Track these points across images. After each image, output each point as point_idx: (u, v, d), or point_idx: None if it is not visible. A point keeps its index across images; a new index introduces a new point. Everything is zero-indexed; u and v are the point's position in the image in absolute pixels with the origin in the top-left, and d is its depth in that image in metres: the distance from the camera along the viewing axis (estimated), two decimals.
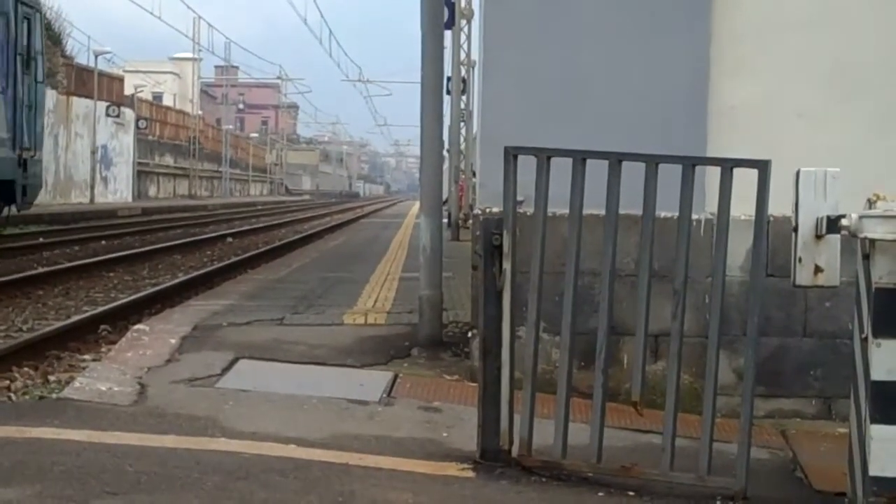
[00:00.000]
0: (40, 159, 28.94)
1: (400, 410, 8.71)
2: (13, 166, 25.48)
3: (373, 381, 9.61)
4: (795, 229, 5.80)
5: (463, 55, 38.38)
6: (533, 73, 9.65)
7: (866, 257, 5.65)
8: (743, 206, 6.74)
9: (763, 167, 6.32)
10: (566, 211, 6.81)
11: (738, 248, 8.15)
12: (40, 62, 27.96)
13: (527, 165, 6.89)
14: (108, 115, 63.43)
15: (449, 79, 34.22)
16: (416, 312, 11.74)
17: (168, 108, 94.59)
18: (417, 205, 17.97)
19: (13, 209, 26.65)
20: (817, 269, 5.77)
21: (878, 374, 5.56)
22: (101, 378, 9.29)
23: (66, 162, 57.15)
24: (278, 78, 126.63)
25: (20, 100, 25.87)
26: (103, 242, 31.04)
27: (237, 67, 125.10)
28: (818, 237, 5.74)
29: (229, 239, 35.22)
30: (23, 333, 13.64)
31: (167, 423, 7.83)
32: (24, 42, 26.20)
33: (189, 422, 7.90)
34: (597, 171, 6.73)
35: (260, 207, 71.11)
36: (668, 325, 6.71)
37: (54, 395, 8.90)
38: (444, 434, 8.02)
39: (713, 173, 6.77)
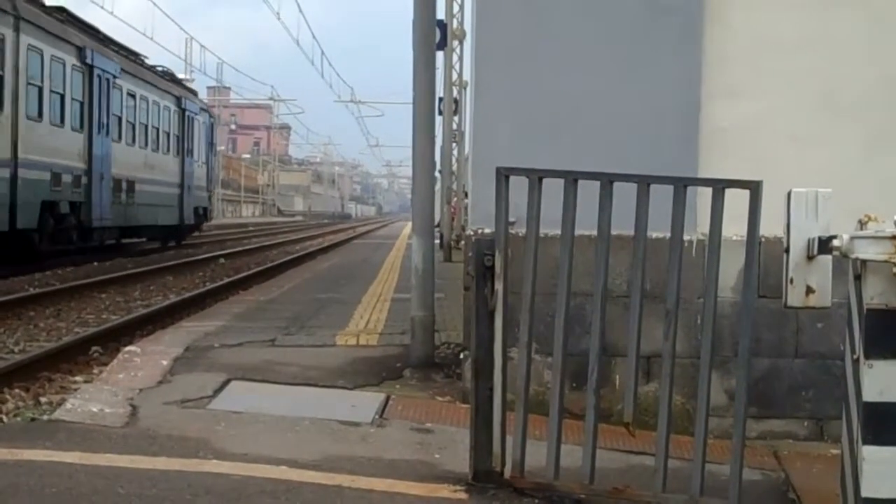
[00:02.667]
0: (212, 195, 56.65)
1: (392, 432, 8.70)
2: (208, 200, 51.39)
3: (365, 403, 9.59)
4: (787, 250, 5.80)
5: (455, 76, 38.38)
6: (525, 95, 9.66)
7: (858, 278, 5.66)
8: (734, 227, 6.75)
9: (754, 188, 6.32)
10: (558, 232, 6.81)
11: (730, 268, 8.16)
12: (216, 143, 57.42)
13: (519, 186, 6.89)
14: None
15: (441, 99, 34.25)
16: (408, 333, 11.73)
17: None
18: (409, 226, 17.98)
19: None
20: (809, 290, 5.77)
21: (870, 395, 5.55)
22: (92, 400, 9.28)
23: None
24: (270, 99, 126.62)
25: (210, 165, 52.63)
26: (95, 264, 30.97)
27: (229, 88, 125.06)
28: (810, 258, 5.73)
29: (221, 260, 35.18)
30: (14, 355, 13.63)
31: (159, 445, 7.81)
32: (211, 134, 53.67)
33: (181, 443, 7.89)
34: (589, 192, 6.73)
35: (252, 228, 71.10)
36: (660, 346, 6.71)
37: (46, 417, 8.88)
38: (437, 455, 8.01)
39: (705, 194, 6.77)
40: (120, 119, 35.82)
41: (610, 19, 9.64)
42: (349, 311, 16.35)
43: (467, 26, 31.66)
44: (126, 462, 7.25)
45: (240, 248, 43.69)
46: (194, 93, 51.35)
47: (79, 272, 27.95)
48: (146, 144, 39.35)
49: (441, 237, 32.63)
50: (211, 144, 52.83)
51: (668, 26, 9.55)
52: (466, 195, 28.26)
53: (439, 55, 30.56)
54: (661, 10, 9.54)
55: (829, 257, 5.70)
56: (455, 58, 38.18)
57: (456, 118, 38.73)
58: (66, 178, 29.96)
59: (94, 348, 14.15)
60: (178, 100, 44.22)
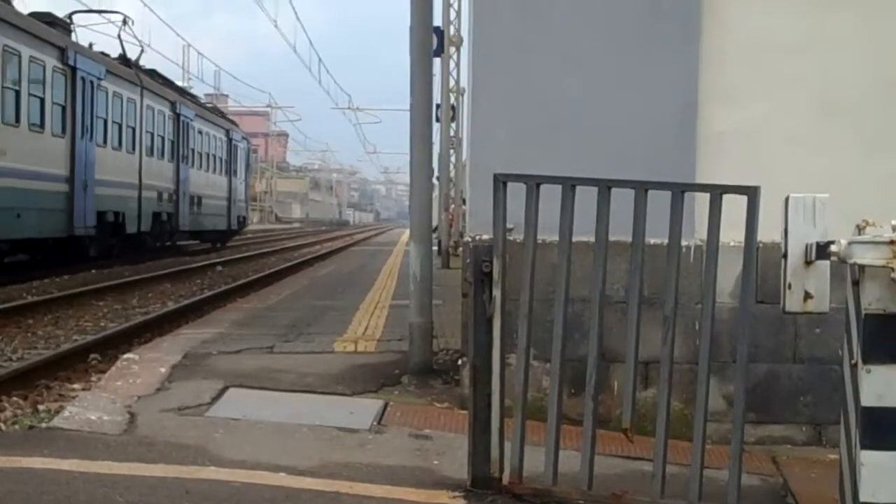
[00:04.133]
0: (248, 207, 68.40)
1: (390, 438, 8.69)
2: (245, 210, 62.65)
3: (363, 409, 9.59)
4: (785, 255, 5.80)
5: (452, 82, 38.44)
6: (522, 101, 9.66)
7: (856, 283, 5.65)
8: (732, 233, 6.74)
9: (752, 193, 6.32)
10: (556, 238, 6.81)
11: (728, 274, 8.16)
12: (251, 165, 70.18)
13: (516, 192, 6.89)
14: None
15: (438, 106, 34.26)
16: (406, 340, 11.73)
17: None
18: (407, 232, 17.98)
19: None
20: (807, 296, 5.76)
21: (868, 400, 5.55)
22: (90, 407, 9.27)
23: None
24: (268, 106, 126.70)
25: (247, 183, 64.32)
26: (93, 271, 30.95)
27: (227, 95, 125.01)
28: (808, 263, 5.73)
29: (219, 267, 35.17)
30: (12, 363, 13.63)
31: (157, 452, 7.80)
32: (248, 158, 64.38)
33: (179, 451, 7.88)
34: (586, 198, 6.73)
35: (250, 235, 71.04)
36: (658, 351, 6.70)
37: (44, 425, 8.87)
38: (435, 462, 8.00)
39: (702, 199, 6.77)
40: (194, 150, 47.98)
41: (607, 24, 9.65)
42: (347, 318, 16.36)
43: (464, 33, 31.70)
44: (124, 469, 7.24)
45: (238, 256, 43.69)
46: (236, 124, 63.02)
47: (76, 280, 27.93)
48: (208, 168, 51.60)
49: (439, 244, 32.61)
50: (248, 166, 66.27)
51: (666, 30, 9.56)
52: (464, 202, 28.27)
53: (436, 62, 30.56)
54: (659, 14, 9.55)
55: (827, 262, 5.70)
56: (452, 64, 38.25)
57: (453, 125, 38.79)
58: (164, 196, 42.18)
59: (92, 356, 14.14)
60: (227, 132, 56.98)
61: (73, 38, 34.32)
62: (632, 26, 9.63)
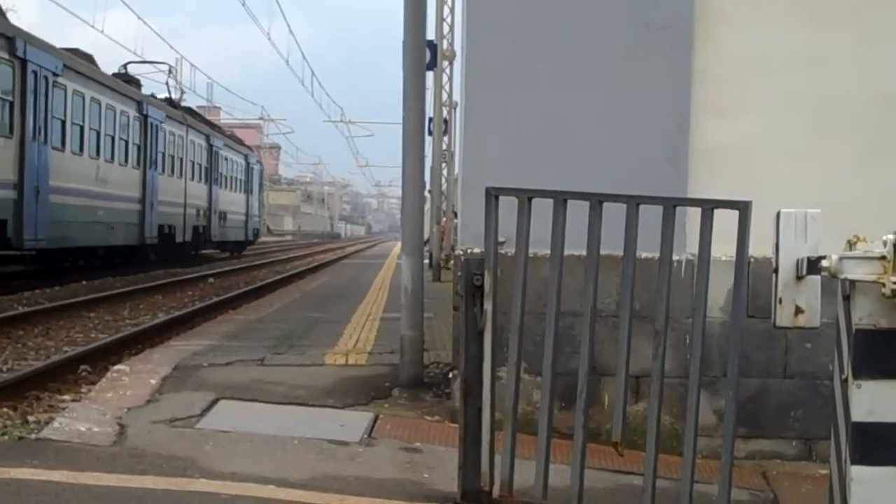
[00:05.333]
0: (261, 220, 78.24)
1: (381, 451, 8.69)
2: (259, 223, 71.42)
3: (354, 422, 9.59)
4: (776, 270, 5.80)
5: (445, 96, 38.44)
6: (514, 115, 9.68)
7: (847, 298, 5.65)
8: (724, 247, 6.75)
9: (743, 208, 6.32)
10: (547, 251, 6.81)
11: (719, 288, 8.16)
12: (263, 184, 79.68)
13: (508, 206, 6.89)
14: None
15: (431, 119, 34.31)
16: (397, 353, 11.73)
17: None
18: (399, 245, 17.98)
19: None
20: (798, 311, 5.76)
21: (858, 416, 5.55)
22: (80, 418, 9.26)
23: None
24: (260, 118, 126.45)
25: (260, 199, 72.97)
26: (84, 282, 30.92)
27: (219, 108, 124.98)
28: (799, 278, 5.73)
29: (210, 279, 35.14)
30: (2, 373, 13.62)
31: (147, 464, 7.79)
32: (261, 178, 72.95)
33: (169, 462, 7.87)
34: (578, 212, 6.73)
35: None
36: (649, 365, 6.69)
37: (34, 436, 8.85)
38: (425, 475, 8.00)
39: (694, 214, 6.77)
40: (222, 174, 57.84)
41: (599, 38, 9.67)
42: (338, 330, 16.35)
43: (457, 47, 31.75)
44: (114, 481, 7.23)
45: (229, 268, 43.68)
46: (251, 149, 74.58)
47: (67, 291, 27.91)
48: (232, 188, 61.37)
49: (430, 257, 32.62)
50: (261, 185, 76.14)
51: (658, 45, 9.58)
52: (456, 215, 28.27)
53: (429, 75, 30.61)
54: (651, 29, 9.57)
55: (818, 277, 5.70)
56: (445, 78, 38.25)
57: (446, 138, 38.80)
58: (201, 212, 51.96)
59: (82, 367, 14.12)
60: (246, 157, 67.52)
61: (142, 90, 44.96)
62: (624, 42, 9.65)
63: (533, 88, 9.66)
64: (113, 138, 36.98)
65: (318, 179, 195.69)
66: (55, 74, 30.47)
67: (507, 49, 9.74)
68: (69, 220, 31.65)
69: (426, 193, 29.58)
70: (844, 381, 5.67)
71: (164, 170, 44.56)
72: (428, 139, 31.38)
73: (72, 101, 32.37)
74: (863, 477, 5.55)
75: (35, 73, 28.88)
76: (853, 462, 5.57)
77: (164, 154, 44.60)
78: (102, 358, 15.01)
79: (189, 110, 54.54)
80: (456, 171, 31.93)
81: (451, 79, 38.08)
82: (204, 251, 55.35)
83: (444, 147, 38.73)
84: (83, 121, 33.57)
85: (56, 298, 25.08)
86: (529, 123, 9.66)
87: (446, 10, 36.48)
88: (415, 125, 11.76)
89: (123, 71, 46.20)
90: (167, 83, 52.93)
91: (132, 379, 11.22)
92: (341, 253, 72.92)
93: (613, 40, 9.66)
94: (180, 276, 35.06)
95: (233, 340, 15.02)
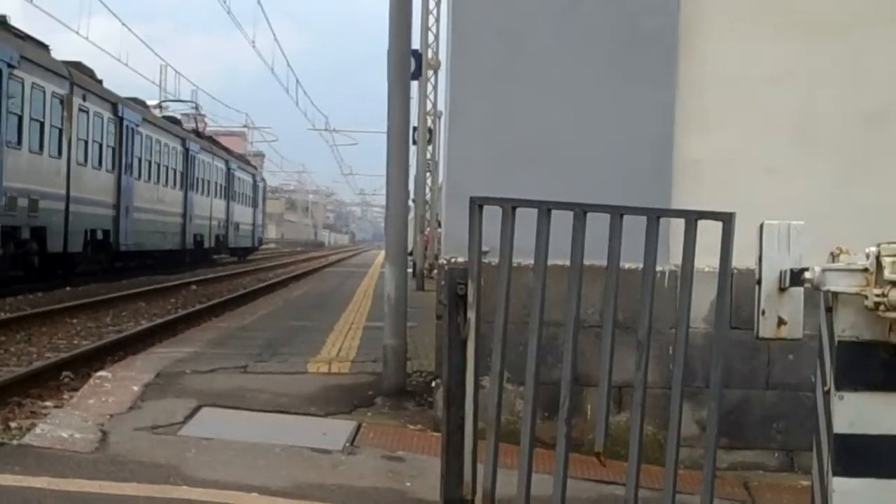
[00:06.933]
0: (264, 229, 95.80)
1: (363, 460, 8.69)
2: (262, 231, 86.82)
3: (336, 430, 9.58)
4: (759, 282, 5.81)
5: (429, 105, 38.51)
6: (499, 124, 9.69)
7: (829, 310, 5.67)
8: (707, 259, 6.76)
9: (727, 219, 6.34)
10: (531, 261, 6.81)
11: (702, 300, 8.18)
12: (265, 197, 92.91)
13: (492, 215, 6.90)
14: None
15: (415, 129, 34.32)
16: (380, 361, 11.73)
17: None
18: (382, 254, 17.99)
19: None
20: (780, 322, 5.78)
21: (840, 427, 5.57)
22: (62, 425, 9.24)
23: None
24: (244, 126, 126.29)
25: (264, 211, 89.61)
26: (68, 288, 30.86)
27: (205, 115, 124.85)
28: (782, 290, 5.74)
29: (193, 286, 35.11)
30: None
31: (128, 471, 7.78)
32: (264, 193, 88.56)
33: (151, 469, 7.86)
34: (562, 222, 6.73)
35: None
36: (632, 375, 6.70)
37: (15, 442, 8.83)
38: (408, 484, 8.00)
39: (678, 225, 6.79)
40: (237, 192, 69.98)
41: (585, 49, 9.69)
42: (321, 339, 16.35)
43: (442, 56, 31.77)
44: (95, 488, 7.23)
45: (212, 275, 43.65)
46: (255, 167, 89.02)
47: (51, 297, 27.86)
48: (243, 203, 73.04)
49: (414, 266, 32.62)
50: (264, 199, 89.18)
51: (644, 59, 9.60)
52: (440, 224, 28.29)
53: (414, 85, 30.63)
54: (637, 44, 9.60)
55: (801, 289, 5.72)
56: (430, 87, 38.36)
57: (430, 147, 38.85)
58: (221, 224, 63.84)
59: (64, 374, 14.09)
60: (253, 175, 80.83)
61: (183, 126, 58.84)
62: (610, 55, 9.68)
63: (518, 98, 9.68)
64: (167, 168, 49.83)
65: (303, 188, 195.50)
66: (137, 125, 43.58)
67: (492, 58, 9.76)
68: (143, 229, 43.80)
69: (410, 202, 29.62)
70: (827, 393, 5.68)
71: (198, 190, 56.80)
72: (412, 148, 31.44)
73: (145, 142, 45.32)
74: (844, 488, 5.57)
75: (127, 126, 42.06)
76: (835, 474, 5.58)
77: (198, 178, 57.03)
78: (85, 364, 14.98)
79: (211, 139, 67.80)
80: (440, 180, 31.99)
81: (435, 88, 38.19)
82: (221, 255, 66.91)
83: (429, 156, 38.78)
84: (150, 156, 46.43)
85: (39, 304, 25.03)
86: (514, 133, 9.68)
87: (431, 20, 36.59)
88: (399, 134, 11.77)
89: (156, 104, 61.56)
90: (195, 118, 68.77)
91: (114, 386, 11.20)
92: (325, 261, 72.85)
93: (600, 53, 9.68)
94: (163, 283, 35.00)
95: (216, 348, 15.01)
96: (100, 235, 38.14)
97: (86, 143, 36.52)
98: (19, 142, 29.93)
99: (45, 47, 34.21)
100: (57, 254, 33.17)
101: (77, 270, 35.97)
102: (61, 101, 33.75)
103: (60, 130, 33.59)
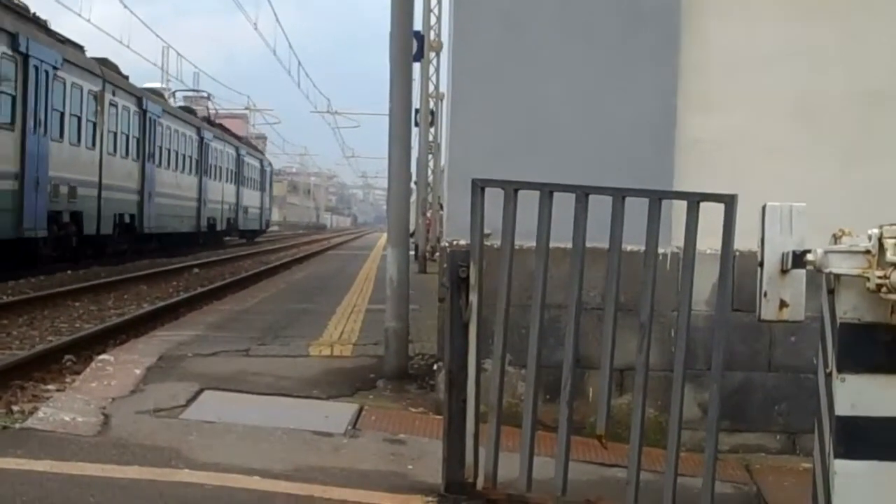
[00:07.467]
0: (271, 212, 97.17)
1: (365, 443, 8.68)
2: (269, 214, 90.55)
3: (338, 413, 9.58)
4: (761, 264, 5.80)
5: (431, 87, 38.41)
6: (501, 106, 9.67)
7: (831, 292, 5.66)
8: (709, 241, 6.74)
9: (729, 201, 6.33)
10: (533, 244, 6.80)
11: (704, 282, 8.17)
12: (272, 181, 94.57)
13: (494, 198, 6.89)
14: None
15: (417, 111, 34.24)
16: (381, 344, 11.72)
17: None
18: (384, 237, 17.97)
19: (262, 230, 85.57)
20: (782, 304, 5.76)
21: (842, 409, 5.56)
22: (64, 408, 9.24)
23: None
24: (246, 108, 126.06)
25: (271, 194, 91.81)
26: (69, 272, 30.87)
27: (208, 97, 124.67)
28: (784, 272, 5.73)
29: (195, 269, 35.11)
30: None
31: (130, 454, 7.78)
32: (270, 178, 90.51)
33: (152, 453, 7.86)
34: (564, 204, 6.72)
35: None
36: (634, 358, 6.70)
37: (17, 425, 8.82)
38: (410, 467, 8.00)
39: (680, 207, 6.78)
40: (246, 177, 73.25)
41: (587, 31, 9.67)
42: (323, 322, 16.33)
43: (444, 38, 31.69)
44: (97, 471, 7.22)
45: (214, 258, 43.64)
46: (262, 153, 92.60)
47: (53, 280, 27.86)
48: (252, 188, 76.23)
49: (416, 249, 32.59)
50: (270, 184, 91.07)
51: (645, 40, 9.58)
52: (442, 207, 28.27)
53: (416, 66, 30.56)
54: (639, 23, 9.57)
55: (803, 271, 5.70)
56: (432, 69, 38.22)
57: (432, 129, 38.76)
58: (231, 208, 66.93)
59: (66, 357, 14.09)
60: (261, 161, 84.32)
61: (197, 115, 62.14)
62: (612, 36, 9.66)
63: (520, 80, 9.66)
64: (184, 156, 53.13)
65: (305, 170, 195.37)
66: (158, 117, 46.80)
67: (494, 40, 9.74)
68: (164, 213, 47.27)
69: (412, 185, 29.60)
70: (828, 375, 5.68)
71: (212, 176, 60.21)
72: (414, 130, 31.38)
73: (165, 132, 48.51)
74: (846, 470, 5.56)
75: (150, 118, 44.91)
76: (837, 456, 5.58)
77: (211, 165, 60.30)
78: (87, 348, 14.99)
79: (222, 126, 70.04)
80: (442, 162, 31.94)
81: (437, 70, 38.05)
82: (231, 237, 70.22)
83: (431, 138, 38.69)
84: (170, 145, 49.66)
85: (41, 288, 25.02)
86: (516, 115, 9.66)
87: (434, 1, 36.43)
88: (401, 116, 11.74)
89: (171, 92, 67.52)
90: (208, 108, 72.11)
91: (117, 369, 11.20)
92: (327, 244, 72.94)
93: (602, 34, 9.66)
94: (166, 267, 35.00)
95: (218, 331, 15.00)
96: (127, 219, 41.43)
97: (115, 134, 39.72)
98: (61, 135, 32.83)
99: (80, 48, 36.75)
100: (91, 236, 36.26)
101: (107, 251, 38.74)
102: (95, 98, 36.86)
103: (94, 124, 36.73)
